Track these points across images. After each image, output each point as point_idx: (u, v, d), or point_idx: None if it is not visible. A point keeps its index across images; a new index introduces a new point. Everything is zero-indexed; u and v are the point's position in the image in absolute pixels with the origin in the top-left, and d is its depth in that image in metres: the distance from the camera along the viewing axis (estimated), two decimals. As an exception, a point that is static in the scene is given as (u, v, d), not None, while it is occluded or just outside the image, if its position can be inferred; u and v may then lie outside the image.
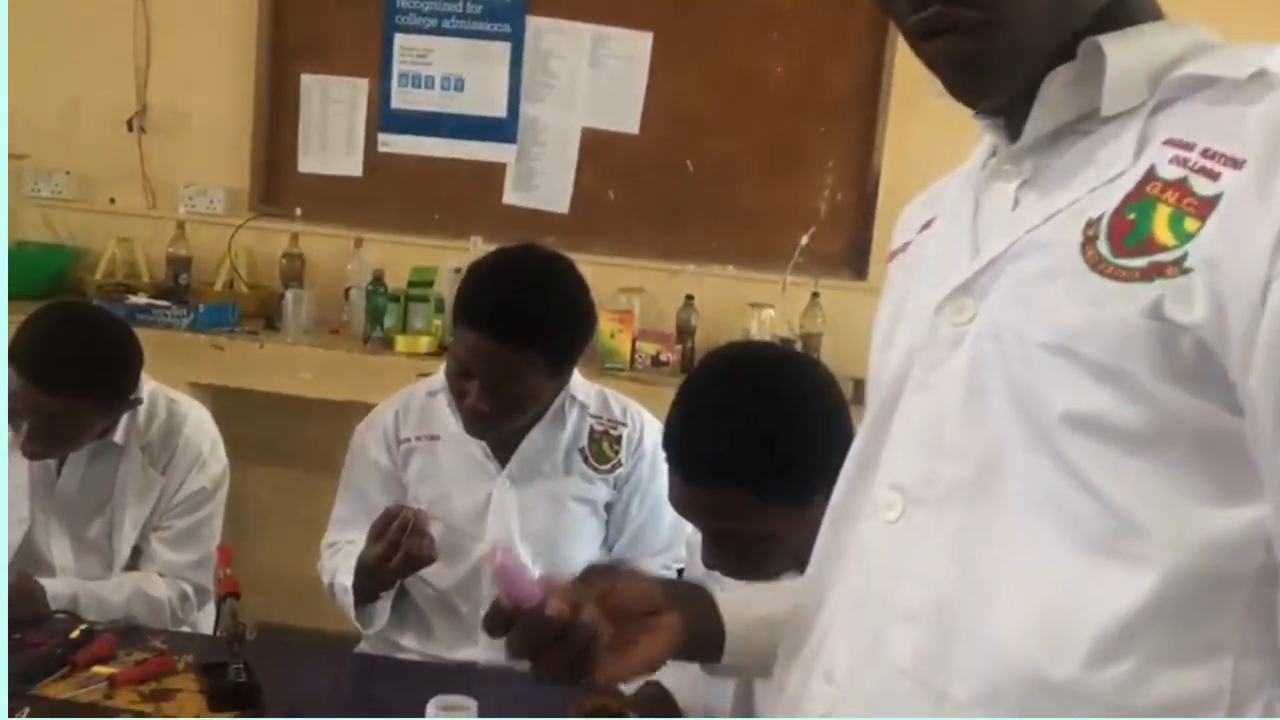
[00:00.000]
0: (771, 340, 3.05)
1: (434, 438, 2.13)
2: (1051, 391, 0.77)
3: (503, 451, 2.11)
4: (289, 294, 3.48)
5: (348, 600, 2.01)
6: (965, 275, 0.85)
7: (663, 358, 3.39)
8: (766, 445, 1.38)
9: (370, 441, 2.16)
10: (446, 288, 3.43)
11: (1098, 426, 0.75)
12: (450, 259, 3.44)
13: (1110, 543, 0.75)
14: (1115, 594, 0.75)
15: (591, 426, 2.15)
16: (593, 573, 1.09)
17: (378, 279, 3.45)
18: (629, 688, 1.64)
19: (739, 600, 1.12)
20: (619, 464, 2.15)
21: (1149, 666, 0.74)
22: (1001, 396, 0.81)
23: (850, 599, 0.90)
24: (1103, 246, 0.77)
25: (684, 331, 3.46)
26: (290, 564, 3.31)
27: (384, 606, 2.06)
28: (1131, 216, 0.77)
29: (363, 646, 2.16)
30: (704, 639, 1.07)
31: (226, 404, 2.86)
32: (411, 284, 3.50)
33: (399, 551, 1.86)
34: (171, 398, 2.21)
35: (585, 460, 2.14)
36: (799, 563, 1.51)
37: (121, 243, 3.70)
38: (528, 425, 2.08)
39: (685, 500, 1.44)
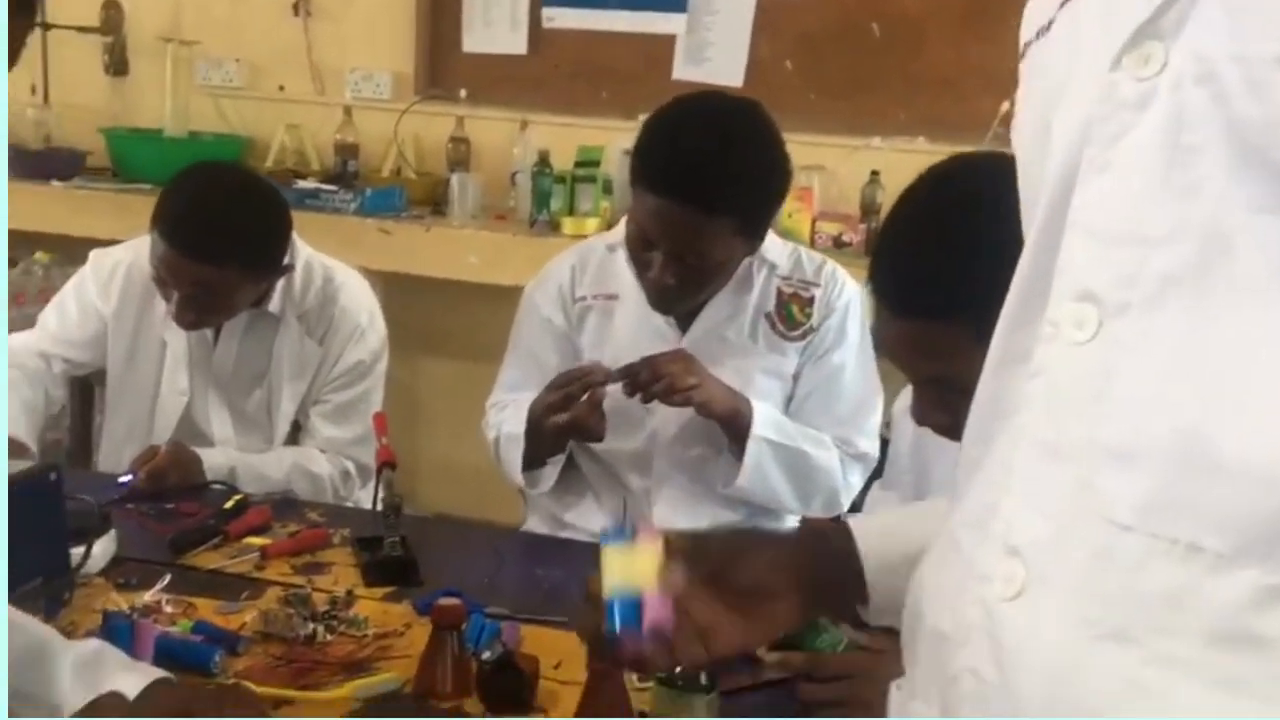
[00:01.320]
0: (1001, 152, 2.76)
1: (612, 297, 1.95)
2: None
3: (684, 317, 1.93)
4: (455, 178, 3.40)
5: (514, 454, 1.89)
6: (1147, 12, 0.62)
7: (845, 238, 3.19)
8: (996, 270, 1.16)
9: (542, 298, 2.01)
10: (614, 168, 3.30)
11: None
12: (618, 139, 3.28)
13: None
14: None
15: (780, 289, 1.93)
16: (711, 543, 0.98)
17: (543, 160, 3.33)
18: None
19: (885, 532, 0.99)
20: (811, 329, 1.93)
21: None
22: (1219, 152, 0.59)
23: (1033, 450, 0.68)
24: None
25: (868, 210, 3.23)
26: (458, 456, 3.27)
27: (551, 471, 1.93)
28: None
29: (527, 526, 2.04)
30: (840, 591, 0.97)
31: (393, 290, 2.78)
32: (578, 165, 3.35)
33: (568, 411, 1.73)
34: (327, 265, 2.12)
35: (773, 326, 1.93)
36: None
37: (290, 130, 3.67)
38: (712, 290, 1.89)
39: (894, 339, 1.24)
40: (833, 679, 1.31)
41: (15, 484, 1.32)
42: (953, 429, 1.29)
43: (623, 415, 1.92)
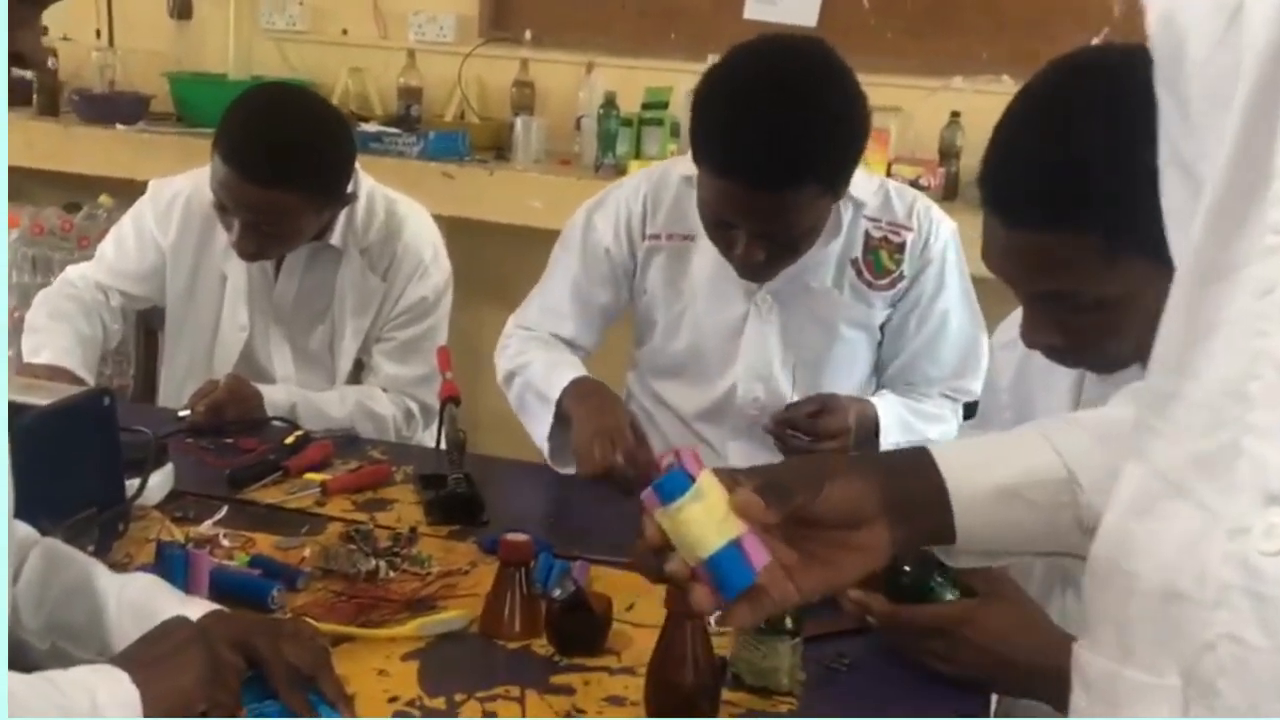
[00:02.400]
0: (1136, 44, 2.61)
1: (688, 238, 1.79)
2: None
3: None
4: (519, 121, 3.32)
5: (539, 420, 1.72)
6: None
7: (923, 182, 3.04)
8: (1129, 175, 1.05)
9: (604, 224, 1.83)
10: (682, 111, 3.19)
11: None
12: (686, 80, 3.13)
13: None
14: None
15: (868, 231, 1.77)
16: (784, 476, 0.87)
17: (609, 102, 3.23)
18: None
19: (973, 463, 0.88)
20: (900, 277, 1.79)
21: None
22: None
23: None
24: None
25: (947, 154, 3.10)
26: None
27: None
28: None
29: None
30: (928, 525, 0.87)
31: (456, 236, 2.70)
32: (645, 106, 3.25)
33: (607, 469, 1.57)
34: (390, 198, 2.04)
35: (860, 274, 1.78)
36: (1140, 353, 1.19)
37: (354, 74, 3.60)
38: (807, 248, 1.72)
39: (1008, 253, 1.14)
40: (918, 634, 1.22)
41: (67, 408, 1.27)
42: (1066, 352, 1.19)
43: (699, 367, 1.84)
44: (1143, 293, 1.08)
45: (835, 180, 1.61)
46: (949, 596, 1.22)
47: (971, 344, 1.85)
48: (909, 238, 1.77)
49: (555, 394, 1.70)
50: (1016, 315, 1.48)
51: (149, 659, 0.94)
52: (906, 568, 1.22)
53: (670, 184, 1.82)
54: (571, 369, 1.76)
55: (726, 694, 1.16)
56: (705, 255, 1.77)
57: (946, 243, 1.80)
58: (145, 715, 0.90)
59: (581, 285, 1.85)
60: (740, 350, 1.81)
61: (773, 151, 1.51)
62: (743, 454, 1.79)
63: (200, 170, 1.93)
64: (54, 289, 2.01)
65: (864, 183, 1.76)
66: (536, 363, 1.78)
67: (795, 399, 1.81)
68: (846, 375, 1.85)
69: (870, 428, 1.76)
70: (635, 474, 1.53)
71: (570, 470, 1.67)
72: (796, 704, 1.18)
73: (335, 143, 1.87)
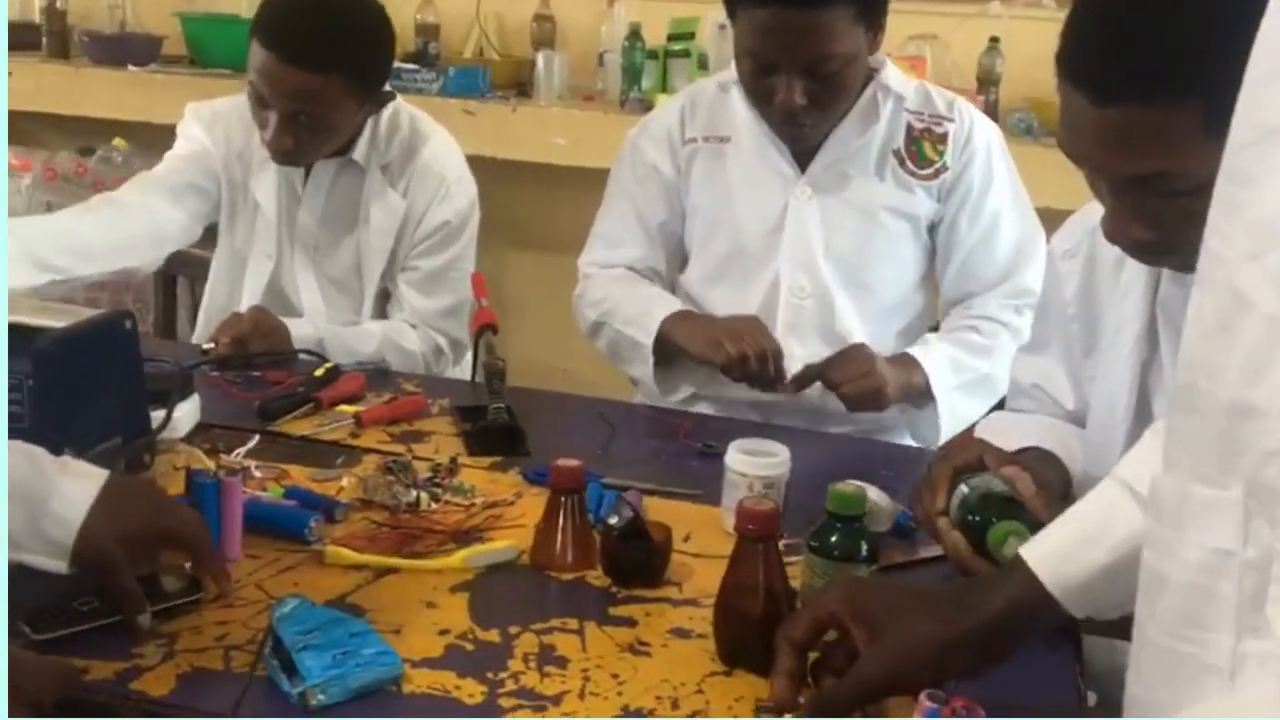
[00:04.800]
0: None
1: (724, 139, 1.79)
2: None
3: (803, 156, 1.75)
4: (540, 56, 3.21)
5: (642, 365, 1.74)
6: None
7: (962, 112, 2.94)
8: (1227, 35, 0.96)
9: (648, 143, 1.84)
10: (709, 43, 3.10)
11: None
12: (713, 11, 3.02)
13: None
14: None
15: (909, 123, 1.74)
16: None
17: (634, 34, 3.12)
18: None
19: (1066, 554, 0.94)
20: (944, 167, 1.74)
21: None
22: None
23: None
24: None
25: (986, 81, 2.99)
26: (549, 352, 3.13)
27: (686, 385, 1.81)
28: None
29: (638, 399, 1.88)
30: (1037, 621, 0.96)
31: (478, 175, 2.63)
32: (671, 38, 3.15)
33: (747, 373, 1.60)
34: (415, 115, 1.96)
35: (902, 163, 1.74)
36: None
37: (369, 11, 3.49)
38: (841, 110, 1.71)
39: (1096, 135, 1.04)
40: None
41: (87, 331, 1.19)
42: (1154, 247, 1.10)
43: (743, 265, 1.80)
44: None
45: (868, 5, 1.61)
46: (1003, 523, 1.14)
47: (1026, 240, 1.78)
48: (951, 129, 1.75)
49: (649, 337, 1.72)
50: (1075, 222, 1.40)
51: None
52: (974, 515, 1.15)
53: (705, 91, 1.85)
54: (662, 304, 1.76)
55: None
56: (744, 155, 1.78)
57: (990, 139, 1.77)
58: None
59: (640, 206, 1.85)
60: (782, 243, 1.77)
61: None
62: (794, 348, 1.73)
63: (237, 97, 1.88)
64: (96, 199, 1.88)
65: (902, 79, 1.77)
66: (622, 304, 1.79)
67: (839, 294, 1.78)
68: (893, 268, 1.80)
69: (919, 382, 1.69)
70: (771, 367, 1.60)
71: (679, 394, 1.80)
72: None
73: (379, 25, 1.81)
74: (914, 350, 1.73)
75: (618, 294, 1.80)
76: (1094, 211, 1.25)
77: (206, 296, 2.03)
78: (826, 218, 1.76)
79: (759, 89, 1.65)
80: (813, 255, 1.76)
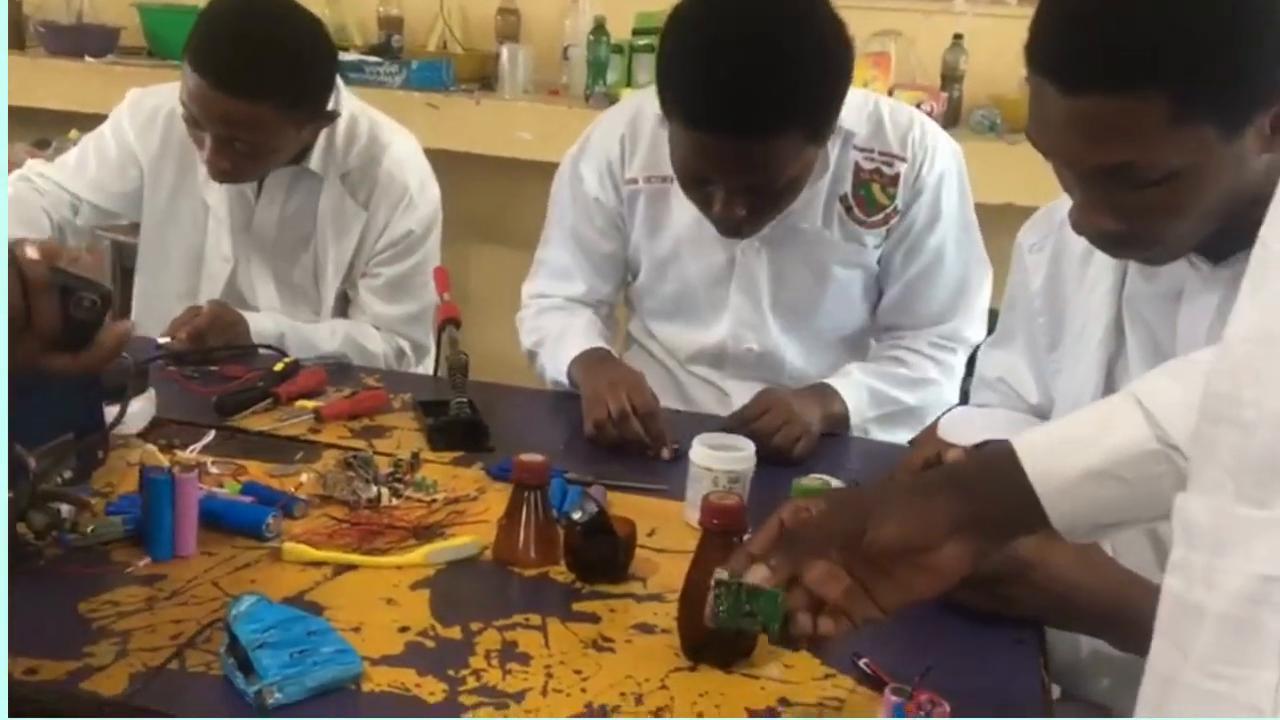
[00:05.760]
0: None
1: (666, 179, 1.63)
2: None
3: None
4: (504, 49, 3.19)
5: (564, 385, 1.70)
6: None
7: (925, 109, 2.92)
8: (1198, 26, 0.97)
9: (589, 173, 1.73)
10: (676, 36, 3.07)
11: None
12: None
13: None
14: None
15: (858, 164, 1.63)
16: (838, 518, 0.92)
17: (599, 28, 3.11)
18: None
19: (1053, 447, 0.89)
20: (894, 211, 1.65)
21: None
22: None
23: None
24: None
25: (950, 78, 3.00)
26: (513, 347, 3.10)
27: None
28: None
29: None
30: (1013, 525, 0.91)
31: (442, 170, 2.61)
32: (636, 32, 3.13)
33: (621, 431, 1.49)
34: (375, 120, 1.90)
35: (849, 210, 1.65)
36: (1196, 239, 1.10)
37: (331, 3, 3.45)
38: (792, 199, 1.58)
39: (1066, 124, 1.04)
40: (982, 584, 1.12)
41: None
42: (1122, 239, 1.10)
43: (692, 311, 1.77)
44: (1205, 166, 1.01)
45: (819, 124, 1.46)
46: None
47: (967, 282, 1.73)
48: (902, 169, 1.64)
49: (563, 371, 1.67)
50: (1042, 216, 1.40)
51: None
52: None
53: (647, 121, 1.69)
54: (581, 339, 1.69)
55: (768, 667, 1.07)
56: (685, 198, 1.62)
57: (943, 171, 1.66)
58: None
59: (582, 238, 1.77)
60: (729, 294, 1.73)
61: (750, 98, 1.38)
62: (745, 394, 1.66)
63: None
64: (11, 177, 1.87)
65: (854, 107, 1.58)
66: (549, 337, 1.75)
67: (788, 346, 1.74)
68: (844, 317, 1.76)
69: (839, 411, 1.64)
70: (648, 432, 1.48)
71: None
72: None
73: (315, 51, 1.74)
74: (834, 381, 1.67)
75: (545, 324, 1.77)
76: (1061, 206, 1.25)
77: (139, 293, 2.00)
78: (776, 271, 1.70)
79: (696, 195, 1.53)
80: (760, 310, 1.72)
